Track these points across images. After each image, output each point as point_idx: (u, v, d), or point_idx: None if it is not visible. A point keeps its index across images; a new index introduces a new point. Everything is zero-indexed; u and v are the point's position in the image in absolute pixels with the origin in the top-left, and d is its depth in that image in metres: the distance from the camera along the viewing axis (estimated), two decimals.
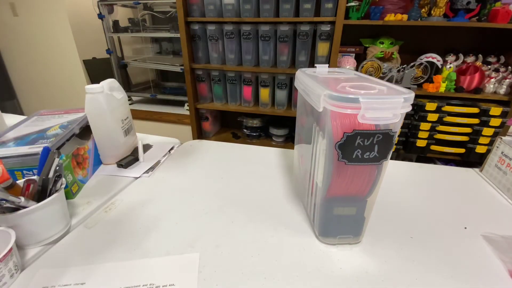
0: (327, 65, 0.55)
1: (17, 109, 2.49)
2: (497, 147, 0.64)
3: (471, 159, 1.34)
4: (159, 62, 2.05)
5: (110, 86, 0.65)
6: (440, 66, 1.32)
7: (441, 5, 1.19)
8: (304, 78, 0.49)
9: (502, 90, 1.26)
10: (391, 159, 0.40)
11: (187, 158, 0.75)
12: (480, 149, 1.30)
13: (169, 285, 0.38)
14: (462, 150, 1.34)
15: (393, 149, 0.37)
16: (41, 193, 0.45)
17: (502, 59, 1.30)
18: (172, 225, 0.50)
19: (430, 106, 1.28)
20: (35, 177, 0.47)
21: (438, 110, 1.28)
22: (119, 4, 1.94)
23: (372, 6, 1.24)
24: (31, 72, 2.29)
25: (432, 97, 1.33)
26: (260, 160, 0.74)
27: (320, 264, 0.42)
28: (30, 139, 0.58)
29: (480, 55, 1.31)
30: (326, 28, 1.29)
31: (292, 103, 1.54)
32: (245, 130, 1.73)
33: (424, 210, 0.54)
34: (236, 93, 1.57)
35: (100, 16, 1.92)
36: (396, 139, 0.36)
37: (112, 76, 1.59)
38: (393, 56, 1.36)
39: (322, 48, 1.35)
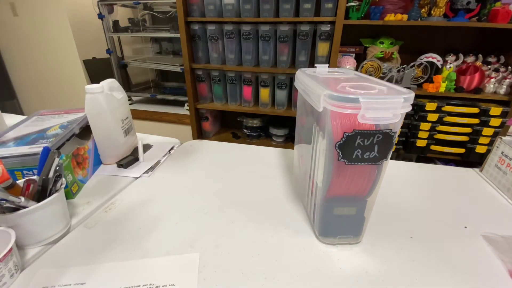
0: (327, 65, 0.55)
1: (17, 109, 2.49)
2: (497, 147, 0.64)
3: (471, 159, 1.34)
4: (159, 62, 2.05)
5: (110, 86, 0.65)
6: (440, 66, 1.32)
7: (441, 5, 1.19)
8: (304, 78, 0.49)
9: (502, 90, 1.26)
10: (391, 159, 0.40)
11: (187, 158, 0.75)
12: (480, 149, 1.30)
13: (169, 285, 0.38)
14: (462, 150, 1.34)
15: (393, 149, 0.37)
16: (41, 193, 0.45)
17: (502, 59, 1.30)
18: (172, 225, 0.50)
19: (430, 106, 1.28)
20: (35, 177, 0.47)
21: (438, 110, 1.28)
22: (119, 4, 1.94)
23: (372, 6, 1.24)
24: (31, 72, 2.29)
25: (432, 97, 1.33)
26: (260, 160, 0.74)
27: (320, 264, 0.42)
28: (30, 139, 0.58)
29: (480, 55, 1.31)
30: (326, 28, 1.29)
31: (292, 103, 1.54)
32: (245, 130, 1.73)
33: (424, 210, 0.54)
34: (236, 93, 1.57)
35: (100, 16, 1.92)
36: (396, 139, 0.36)
37: (112, 76, 1.60)
38: (393, 56, 1.36)
39: (322, 48, 1.35)
